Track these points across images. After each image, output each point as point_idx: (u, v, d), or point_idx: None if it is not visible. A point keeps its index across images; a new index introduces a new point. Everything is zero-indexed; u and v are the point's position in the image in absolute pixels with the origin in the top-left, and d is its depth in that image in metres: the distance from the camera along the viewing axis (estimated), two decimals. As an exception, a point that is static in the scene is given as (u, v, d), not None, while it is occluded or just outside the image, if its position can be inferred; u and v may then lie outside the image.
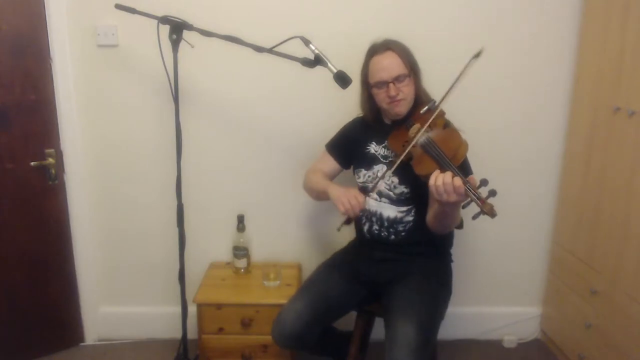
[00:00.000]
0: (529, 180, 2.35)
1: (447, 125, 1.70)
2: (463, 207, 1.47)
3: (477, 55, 1.58)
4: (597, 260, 2.04)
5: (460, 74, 1.59)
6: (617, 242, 1.91)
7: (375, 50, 1.75)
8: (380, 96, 1.74)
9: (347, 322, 2.03)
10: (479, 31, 2.17)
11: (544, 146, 2.32)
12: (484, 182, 1.40)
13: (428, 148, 1.59)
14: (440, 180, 1.42)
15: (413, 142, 1.62)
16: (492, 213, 1.35)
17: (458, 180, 1.40)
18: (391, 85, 1.69)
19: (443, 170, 1.46)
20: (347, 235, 2.01)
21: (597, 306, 2.04)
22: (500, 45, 2.19)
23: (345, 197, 1.66)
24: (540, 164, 2.34)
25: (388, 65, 1.70)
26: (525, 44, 2.20)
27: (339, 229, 1.70)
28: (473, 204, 1.40)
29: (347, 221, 1.70)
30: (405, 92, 1.72)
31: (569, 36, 2.19)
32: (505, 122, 2.28)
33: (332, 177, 1.97)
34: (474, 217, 1.39)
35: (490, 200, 1.37)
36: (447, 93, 1.62)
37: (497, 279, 2.47)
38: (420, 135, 1.62)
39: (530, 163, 2.34)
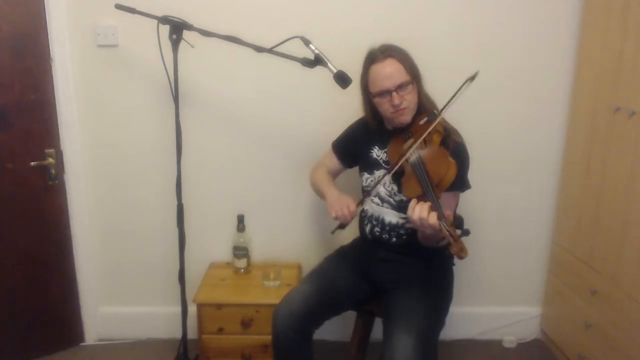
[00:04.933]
0: (529, 180, 2.35)
1: (445, 139, 1.65)
2: (437, 243, 1.47)
3: (472, 78, 1.55)
4: (597, 260, 2.04)
5: (457, 92, 1.57)
6: (617, 242, 1.91)
7: (374, 57, 1.68)
8: (384, 106, 1.68)
9: (347, 322, 2.04)
10: (479, 32, 2.17)
11: (544, 146, 2.32)
12: (459, 220, 1.40)
13: (416, 169, 1.57)
14: (417, 214, 1.42)
15: (403, 159, 1.61)
16: (459, 255, 1.35)
17: (434, 218, 1.40)
18: (394, 94, 1.63)
19: (424, 198, 1.46)
20: (348, 233, 2.01)
21: (597, 306, 2.03)
22: (500, 45, 2.19)
23: (338, 204, 1.69)
24: (540, 164, 2.34)
25: (390, 74, 1.64)
26: (525, 44, 2.19)
27: (332, 232, 1.77)
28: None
29: (340, 226, 1.74)
30: (408, 100, 1.66)
31: (569, 36, 2.19)
32: (505, 122, 2.28)
33: (335, 174, 1.99)
34: (447, 253, 1.39)
35: (464, 239, 1.37)
36: (445, 107, 1.59)
37: (497, 279, 2.47)
38: (411, 152, 1.60)
39: (530, 163, 2.34)
